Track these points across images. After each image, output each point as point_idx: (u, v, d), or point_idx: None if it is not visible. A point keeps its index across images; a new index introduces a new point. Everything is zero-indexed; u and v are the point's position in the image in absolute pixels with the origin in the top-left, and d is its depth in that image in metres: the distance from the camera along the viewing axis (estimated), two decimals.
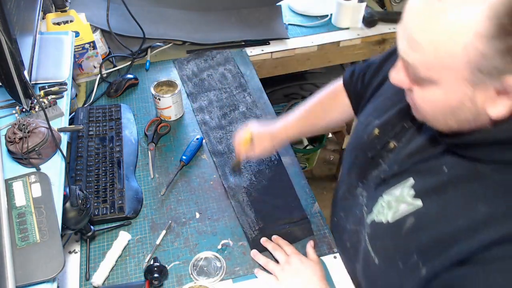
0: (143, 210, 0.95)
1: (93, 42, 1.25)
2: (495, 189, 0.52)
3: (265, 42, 1.45)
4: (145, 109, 1.21)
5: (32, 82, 0.90)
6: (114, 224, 0.91)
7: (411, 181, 0.62)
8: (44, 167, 0.78)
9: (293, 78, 1.84)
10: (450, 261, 0.53)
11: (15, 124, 0.77)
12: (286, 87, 1.91)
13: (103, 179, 0.98)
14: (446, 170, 0.58)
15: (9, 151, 0.77)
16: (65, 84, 0.95)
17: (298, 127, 0.95)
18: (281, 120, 0.96)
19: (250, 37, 1.45)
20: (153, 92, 1.13)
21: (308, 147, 2.00)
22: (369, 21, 1.51)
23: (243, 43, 1.45)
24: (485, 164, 0.54)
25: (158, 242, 0.89)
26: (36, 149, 0.76)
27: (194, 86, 1.30)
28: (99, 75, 1.30)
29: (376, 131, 0.72)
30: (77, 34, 1.19)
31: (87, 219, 0.80)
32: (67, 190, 0.77)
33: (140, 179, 1.02)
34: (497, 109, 0.49)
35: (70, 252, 0.87)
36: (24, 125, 0.76)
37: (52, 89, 0.92)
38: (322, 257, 0.87)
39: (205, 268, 0.84)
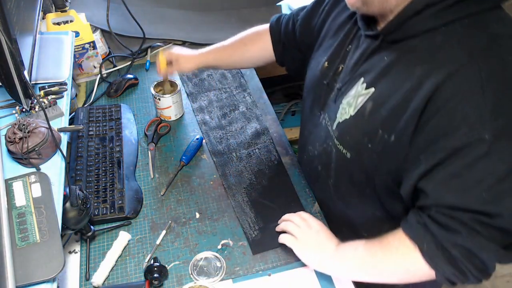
0: (143, 210, 0.95)
1: (93, 42, 1.25)
2: (424, 53, 0.63)
3: None
4: (145, 109, 1.21)
5: (32, 82, 0.90)
6: (114, 224, 0.91)
7: (361, 80, 0.73)
8: (44, 167, 0.78)
9: (293, 78, 1.84)
10: (412, 118, 0.62)
11: (15, 124, 0.77)
12: (286, 87, 1.91)
13: (103, 179, 0.98)
14: (386, 58, 0.69)
15: (9, 151, 0.77)
16: (65, 84, 0.95)
17: (216, 53, 1.08)
18: (205, 48, 1.09)
19: None
20: (153, 92, 1.13)
21: None
22: None
23: None
24: (413, 38, 0.65)
25: (158, 242, 0.89)
26: (36, 149, 0.76)
27: (194, 86, 1.30)
28: (99, 75, 1.30)
29: (326, 63, 0.85)
30: (77, 34, 1.19)
31: (87, 219, 0.80)
32: (67, 190, 0.77)
33: (140, 179, 1.02)
34: None
35: (70, 252, 0.87)
36: (24, 125, 0.76)
37: (52, 89, 0.92)
38: None
39: (205, 268, 0.84)
